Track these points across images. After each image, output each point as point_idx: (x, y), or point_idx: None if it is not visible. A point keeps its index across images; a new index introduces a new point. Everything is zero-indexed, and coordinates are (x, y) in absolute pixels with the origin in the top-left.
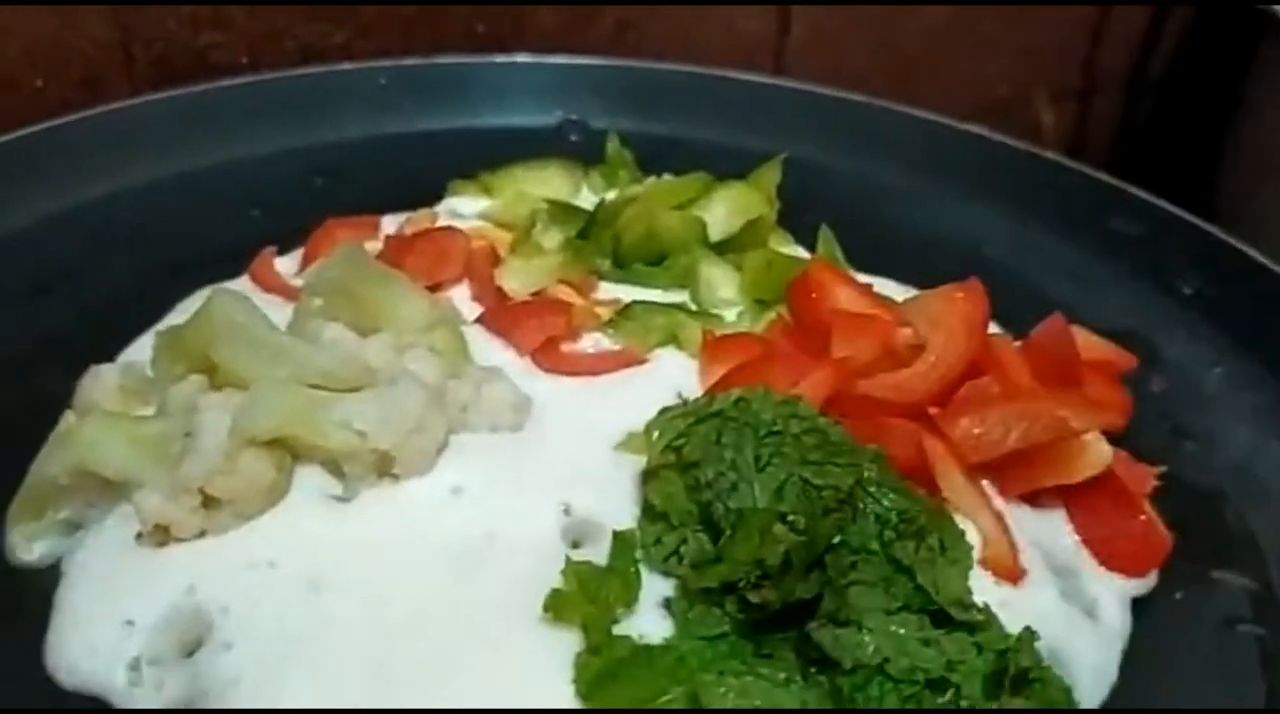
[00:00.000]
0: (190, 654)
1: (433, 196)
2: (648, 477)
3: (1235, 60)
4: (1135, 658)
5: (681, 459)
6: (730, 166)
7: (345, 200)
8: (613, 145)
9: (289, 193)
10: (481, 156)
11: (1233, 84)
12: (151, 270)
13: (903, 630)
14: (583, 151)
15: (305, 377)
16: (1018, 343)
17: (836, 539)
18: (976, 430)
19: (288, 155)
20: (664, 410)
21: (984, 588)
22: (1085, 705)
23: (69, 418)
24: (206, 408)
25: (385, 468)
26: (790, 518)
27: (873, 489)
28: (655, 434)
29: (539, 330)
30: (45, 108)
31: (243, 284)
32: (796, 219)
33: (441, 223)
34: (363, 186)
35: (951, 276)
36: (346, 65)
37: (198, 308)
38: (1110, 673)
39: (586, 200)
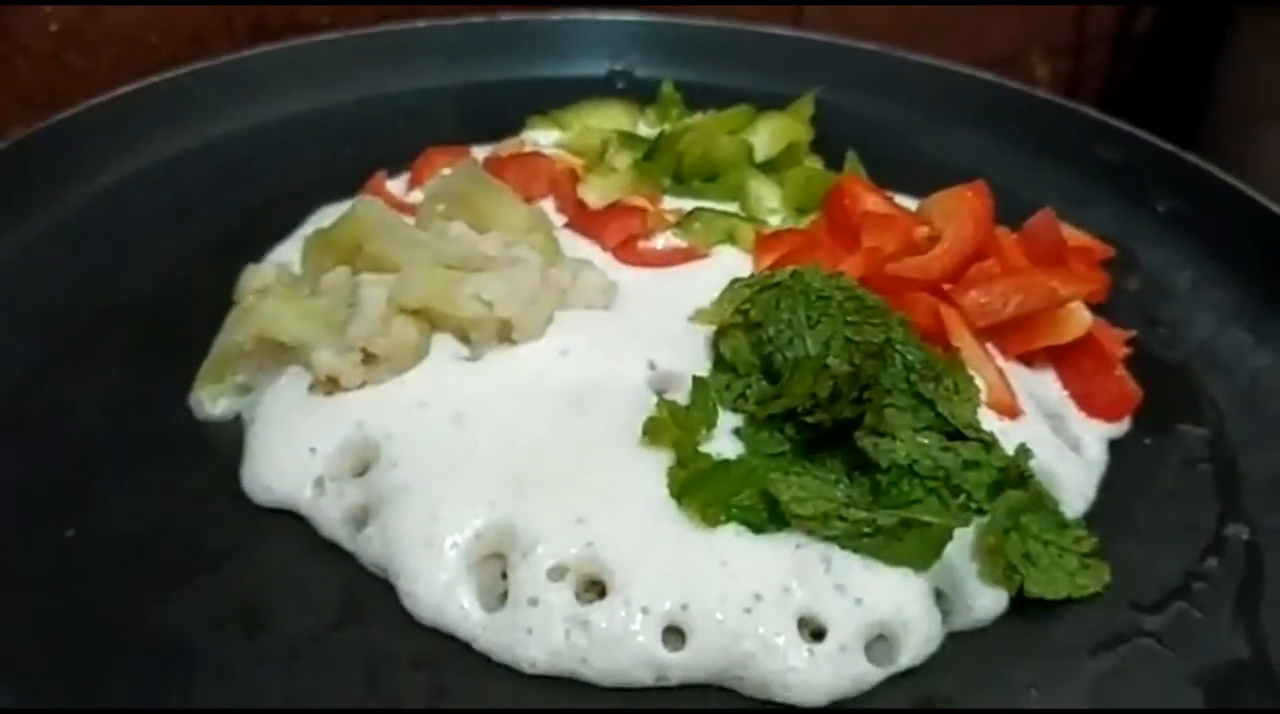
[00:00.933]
0: (360, 474)
1: (496, 136)
2: (719, 335)
3: (1217, 17)
4: (1111, 485)
5: (747, 320)
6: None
7: (425, 139)
8: (666, 87)
9: (376, 133)
10: (539, 102)
11: (1214, 39)
12: (271, 197)
13: (927, 441)
14: (626, 96)
15: (443, 260)
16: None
17: (873, 379)
18: (983, 300)
19: (373, 101)
20: (733, 281)
21: (989, 424)
22: (1070, 514)
23: (246, 300)
24: (365, 285)
25: (505, 334)
26: (835, 360)
27: (899, 345)
28: (726, 299)
29: (621, 230)
30: (159, 60)
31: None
32: (822, 149)
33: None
34: (438, 127)
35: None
36: (420, 23)
37: (341, 214)
38: (1090, 494)
39: (643, 133)
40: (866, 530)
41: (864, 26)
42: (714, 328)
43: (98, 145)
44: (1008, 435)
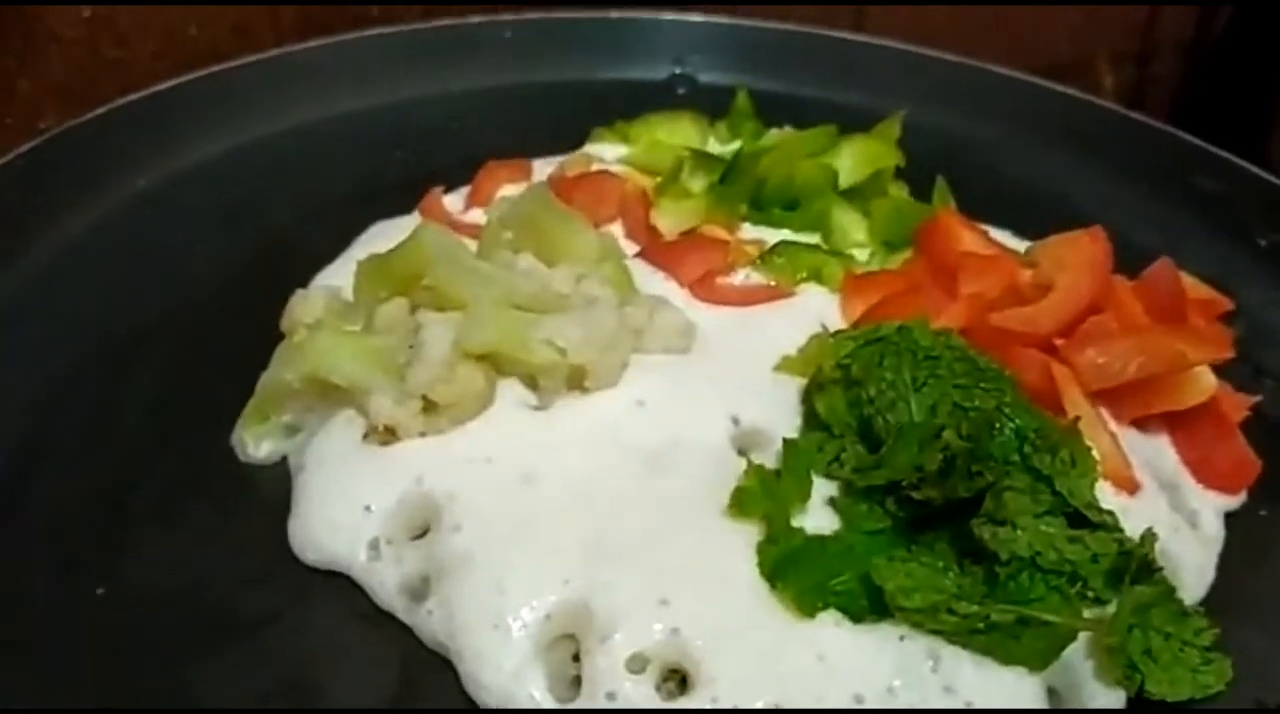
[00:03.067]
0: (418, 536)
1: (552, 143)
2: (814, 390)
3: None
4: (1228, 563)
5: (847, 377)
6: (826, 120)
7: (478, 143)
8: (741, 98)
9: (428, 136)
10: (595, 106)
11: None
12: (319, 204)
13: (1050, 529)
14: (689, 103)
15: (512, 299)
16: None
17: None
18: (1101, 360)
19: (424, 102)
20: (835, 332)
21: (1105, 498)
22: (1189, 599)
23: (297, 334)
24: (429, 324)
25: (576, 382)
26: (946, 432)
27: (1008, 410)
28: (820, 350)
29: (700, 264)
30: (199, 53)
31: (413, 219)
32: (902, 170)
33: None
34: (491, 131)
35: (1045, 226)
36: (475, 19)
37: (403, 239)
38: (1209, 573)
39: (714, 149)
40: (979, 626)
41: (925, 29)
42: (800, 379)
43: (133, 144)
44: (1125, 511)
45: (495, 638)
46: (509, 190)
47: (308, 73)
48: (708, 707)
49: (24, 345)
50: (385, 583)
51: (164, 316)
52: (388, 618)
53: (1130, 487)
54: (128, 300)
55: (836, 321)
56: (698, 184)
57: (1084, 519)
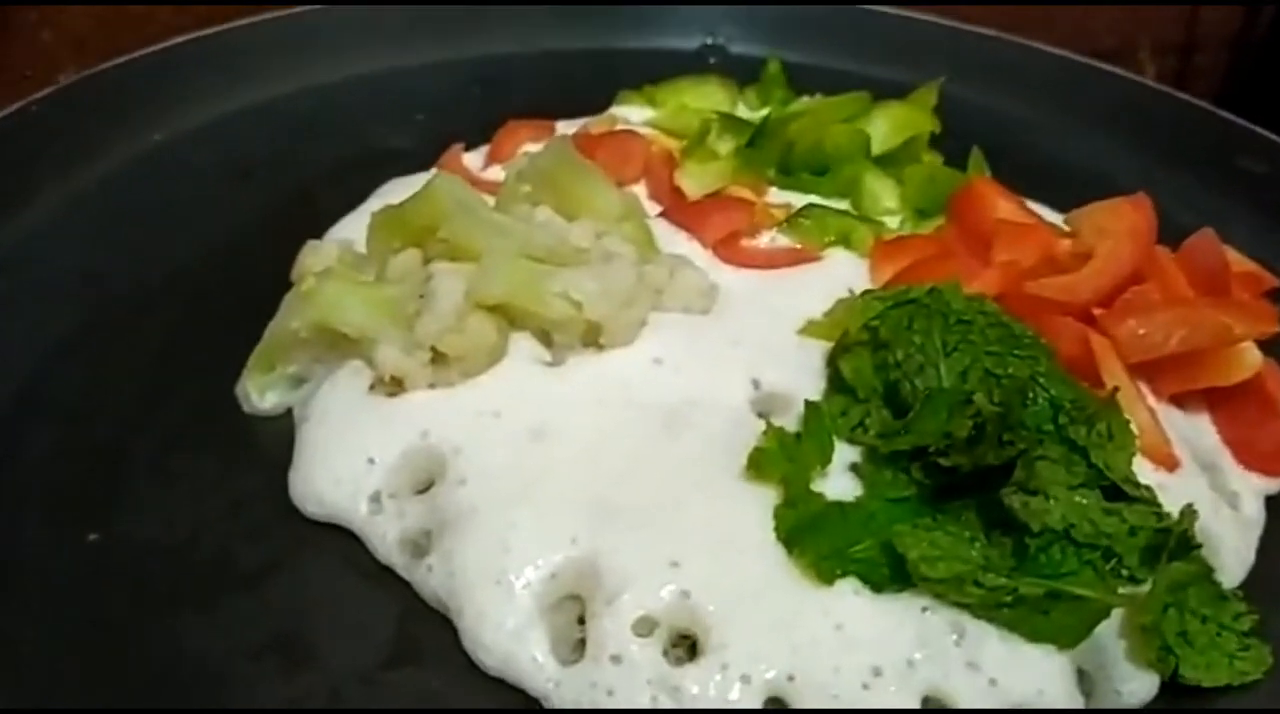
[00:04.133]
0: (422, 491)
1: (580, 106)
2: (839, 352)
3: None
4: (1268, 547)
5: (875, 339)
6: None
7: (500, 108)
8: (773, 65)
9: (451, 100)
10: (624, 76)
11: None
12: (335, 164)
13: (1086, 501)
14: (720, 73)
15: (527, 251)
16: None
17: (1020, 422)
18: (1141, 331)
19: (448, 66)
20: (862, 293)
21: (1142, 474)
22: (1226, 583)
23: (305, 282)
24: (439, 275)
25: (592, 338)
26: (977, 397)
27: (1043, 379)
28: (846, 312)
29: (723, 225)
30: (223, 8)
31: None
32: (938, 143)
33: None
34: (515, 98)
35: (1085, 202)
36: None
37: (414, 191)
38: (1249, 557)
39: (742, 115)
40: (1006, 599)
41: (965, 16)
42: (825, 343)
43: (151, 98)
44: (1163, 488)
45: (497, 595)
46: (531, 148)
47: (330, 32)
48: (717, 674)
49: (31, 293)
50: (386, 537)
51: (175, 269)
52: (388, 573)
53: (1169, 463)
54: (138, 254)
55: (864, 287)
56: (725, 147)
57: (1120, 493)
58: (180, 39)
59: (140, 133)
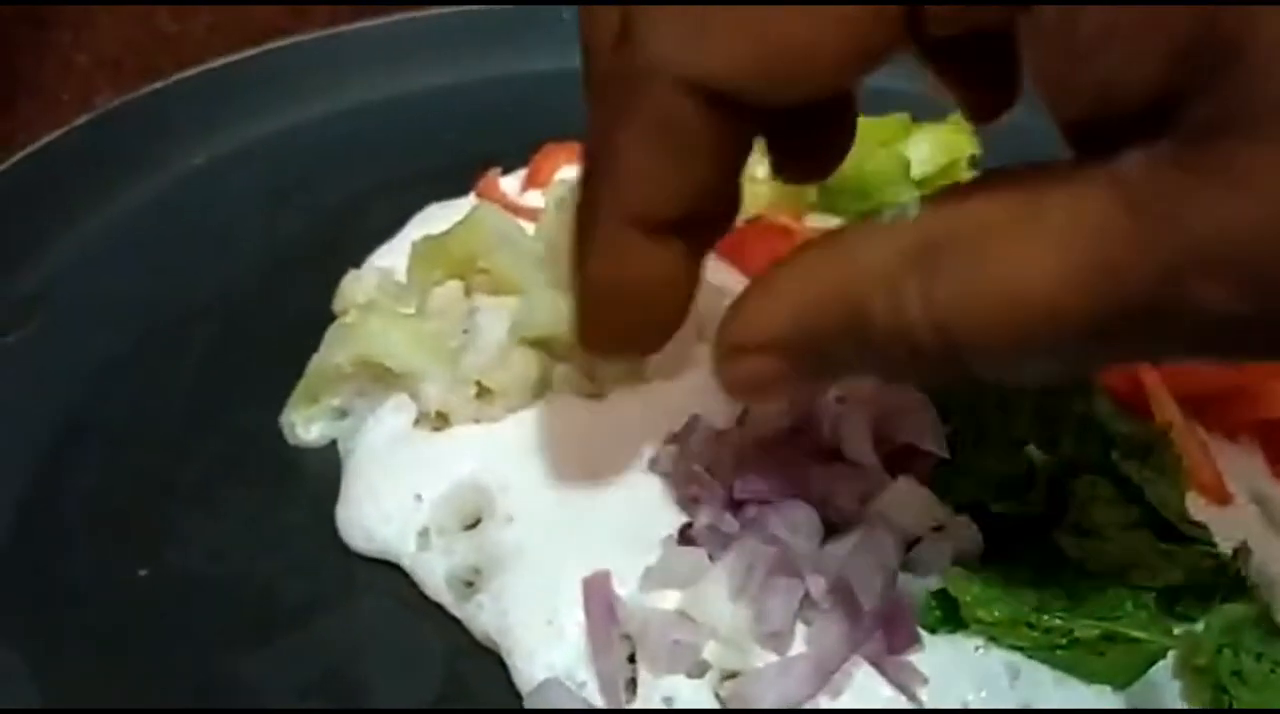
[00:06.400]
0: (470, 527)
1: None
2: None
3: None
4: None
5: None
6: (896, 110)
7: (535, 126)
8: None
9: (488, 121)
10: None
11: None
12: (374, 187)
13: (1140, 542)
14: None
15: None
16: None
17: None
18: (1194, 365)
19: (482, 85)
20: None
21: (1194, 508)
22: None
23: (349, 315)
24: (483, 309)
25: (635, 371)
26: (1029, 448)
27: (1094, 411)
28: None
29: (763, 253)
30: (258, 29)
31: (469, 201)
32: (972, 165)
33: None
34: (553, 116)
35: None
36: None
37: (458, 221)
38: None
39: None
40: (1061, 641)
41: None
42: None
43: (187, 121)
44: (1215, 523)
45: (548, 635)
46: (568, 172)
47: (363, 52)
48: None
49: (73, 323)
50: (435, 573)
51: (216, 296)
52: (436, 609)
53: (1221, 497)
54: (179, 279)
55: None
56: (763, 170)
57: (1173, 531)
58: (217, 62)
59: (178, 158)
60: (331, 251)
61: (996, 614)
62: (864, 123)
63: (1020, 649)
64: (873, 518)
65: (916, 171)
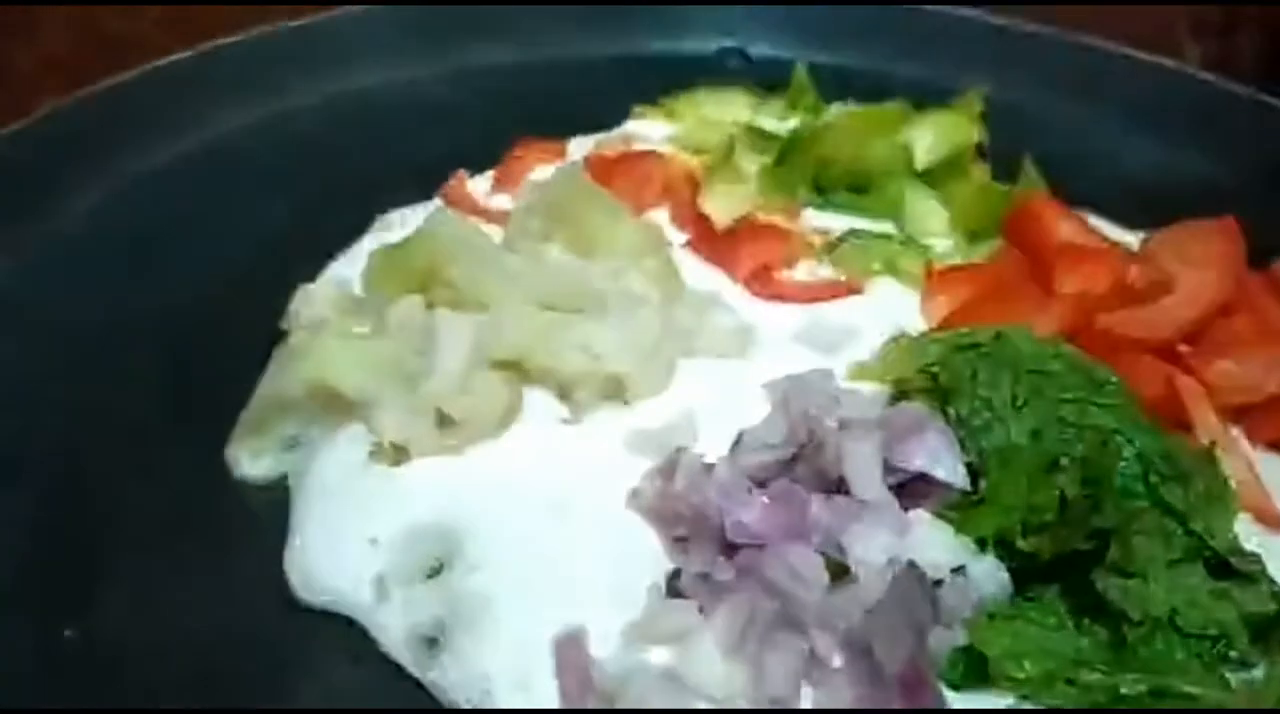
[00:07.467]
0: (432, 574)
1: (591, 119)
2: (897, 398)
3: None
4: None
5: (936, 386)
6: (894, 98)
7: (507, 122)
8: (799, 72)
9: (456, 115)
10: (640, 83)
11: None
12: (333, 189)
13: (1191, 581)
14: (741, 79)
15: (540, 297)
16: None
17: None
18: (1236, 372)
19: (451, 78)
20: (920, 335)
21: (1243, 534)
22: None
23: (296, 336)
24: (444, 326)
25: (614, 392)
26: (1062, 461)
27: (1129, 429)
28: (899, 353)
29: (756, 257)
30: (208, 24)
31: (433, 205)
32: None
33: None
34: (525, 110)
35: (1149, 216)
36: None
37: (418, 228)
38: None
39: (768, 127)
40: (1104, 701)
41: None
42: (878, 388)
43: (133, 125)
44: (1266, 549)
45: (519, 701)
46: (541, 173)
47: (324, 46)
48: None
49: (7, 345)
50: (393, 630)
51: (161, 312)
52: (396, 669)
53: (1275, 521)
54: (118, 298)
55: (915, 321)
56: (752, 165)
57: (1223, 565)
58: (164, 60)
59: (124, 165)
60: (287, 263)
61: (1029, 670)
62: (860, 111)
63: (1059, 709)
64: (893, 563)
65: (919, 162)
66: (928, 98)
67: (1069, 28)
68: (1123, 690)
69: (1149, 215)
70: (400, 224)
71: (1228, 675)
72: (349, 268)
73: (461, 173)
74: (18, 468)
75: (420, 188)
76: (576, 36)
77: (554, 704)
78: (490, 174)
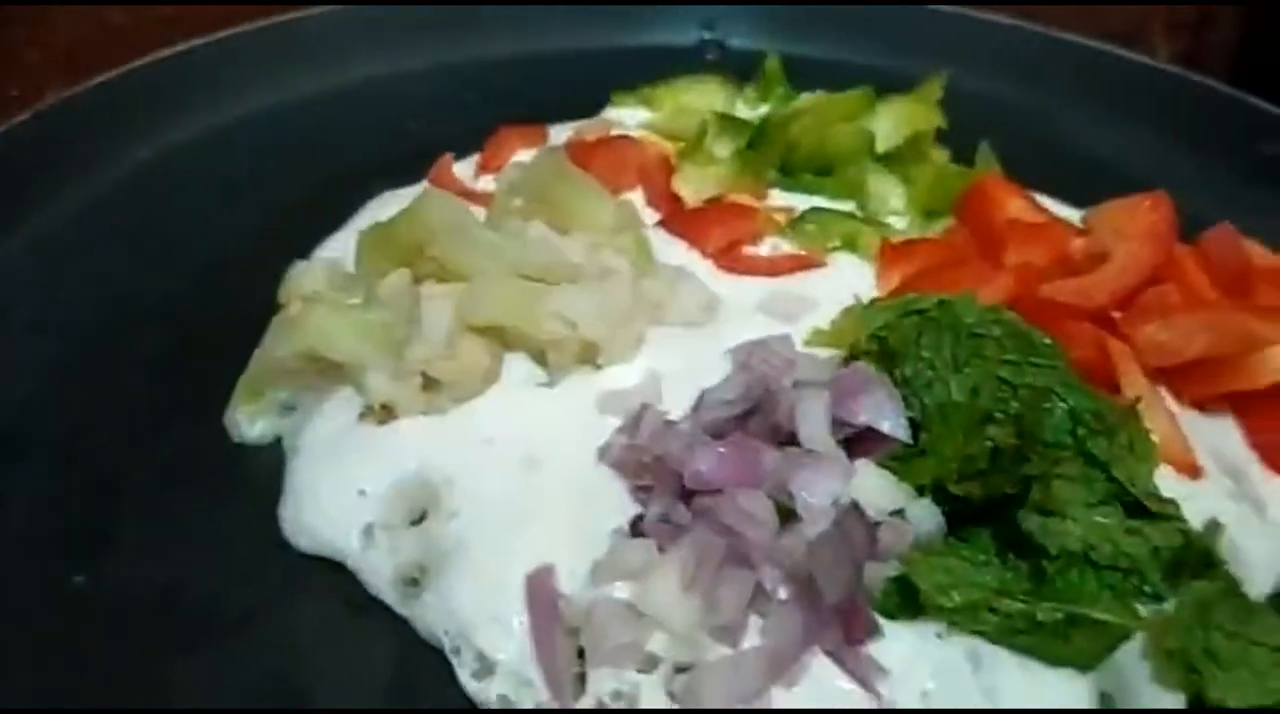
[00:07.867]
0: (416, 522)
1: (574, 109)
2: (846, 361)
3: None
4: None
5: (883, 348)
6: (847, 83)
7: (491, 112)
8: (771, 62)
9: (442, 106)
10: (621, 74)
11: None
12: (326, 176)
13: (1106, 520)
14: (719, 70)
15: (520, 270)
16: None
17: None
18: (1162, 336)
19: (438, 72)
20: (870, 302)
21: (1164, 483)
22: (1255, 594)
23: (292, 307)
24: (429, 297)
25: (588, 357)
26: (996, 415)
27: (1060, 389)
28: (853, 321)
29: (723, 233)
30: (211, 20)
31: (420, 188)
32: (945, 138)
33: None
34: (509, 101)
35: (1097, 195)
36: None
37: (405, 207)
38: (1278, 567)
39: (742, 114)
40: (1023, 626)
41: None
42: (834, 354)
43: (135, 114)
44: (1185, 498)
45: (494, 633)
46: (523, 157)
47: (317, 40)
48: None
49: (16, 323)
50: (379, 572)
51: (162, 294)
52: (382, 608)
53: (1192, 471)
54: (125, 277)
55: (871, 293)
56: (723, 149)
57: (1141, 508)
58: (164, 53)
59: (125, 151)
60: (282, 243)
61: (956, 599)
62: (826, 98)
63: (982, 635)
64: (837, 506)
65: (881, 146)
66: (898, 87)
67: (1053, 27)
68: (1039, 618)
69: (1096, 193)
70: (390, 205)
71: (1139, 607)
72: (341, 246)
73: (448, 156)
74: (31, 434)
75: (408, 174)
76: (562, 31)
77: (524, 635)
78: (475, 159)
